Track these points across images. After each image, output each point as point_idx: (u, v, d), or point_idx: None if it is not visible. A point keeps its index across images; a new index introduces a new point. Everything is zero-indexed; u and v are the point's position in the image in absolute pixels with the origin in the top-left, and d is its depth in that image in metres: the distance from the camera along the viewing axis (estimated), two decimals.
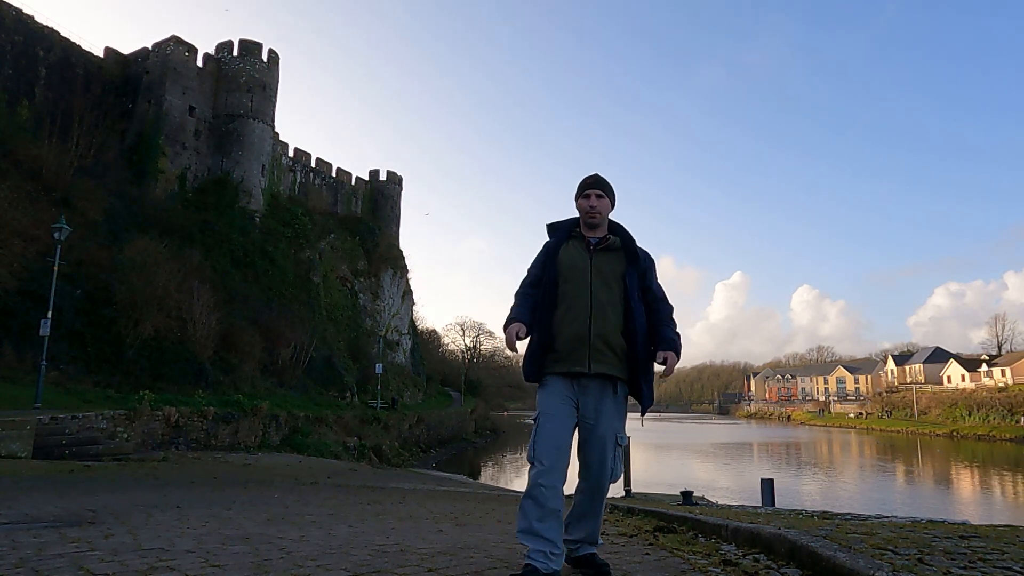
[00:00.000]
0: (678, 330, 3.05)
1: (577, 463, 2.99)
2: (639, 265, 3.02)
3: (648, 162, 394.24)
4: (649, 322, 2.96)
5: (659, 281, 3.12)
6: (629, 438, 2.83)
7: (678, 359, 2.92)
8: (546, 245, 3.12)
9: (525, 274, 3.14)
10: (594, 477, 2.90)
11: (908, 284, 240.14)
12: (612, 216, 3.15)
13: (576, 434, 2.91)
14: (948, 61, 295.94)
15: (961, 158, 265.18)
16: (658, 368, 2.97)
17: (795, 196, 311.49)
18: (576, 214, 3.16)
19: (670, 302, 3.10)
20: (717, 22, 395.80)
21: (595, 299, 2.88)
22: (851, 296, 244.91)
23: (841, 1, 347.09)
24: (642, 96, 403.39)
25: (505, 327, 2.94)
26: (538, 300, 2.95)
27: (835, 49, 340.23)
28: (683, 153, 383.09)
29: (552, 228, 3.17)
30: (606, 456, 2.86)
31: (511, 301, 3.05)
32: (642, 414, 2.92)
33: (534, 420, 2.86)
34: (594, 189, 3.06)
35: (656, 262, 3.20)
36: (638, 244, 3.08)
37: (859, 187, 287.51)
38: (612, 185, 3.13)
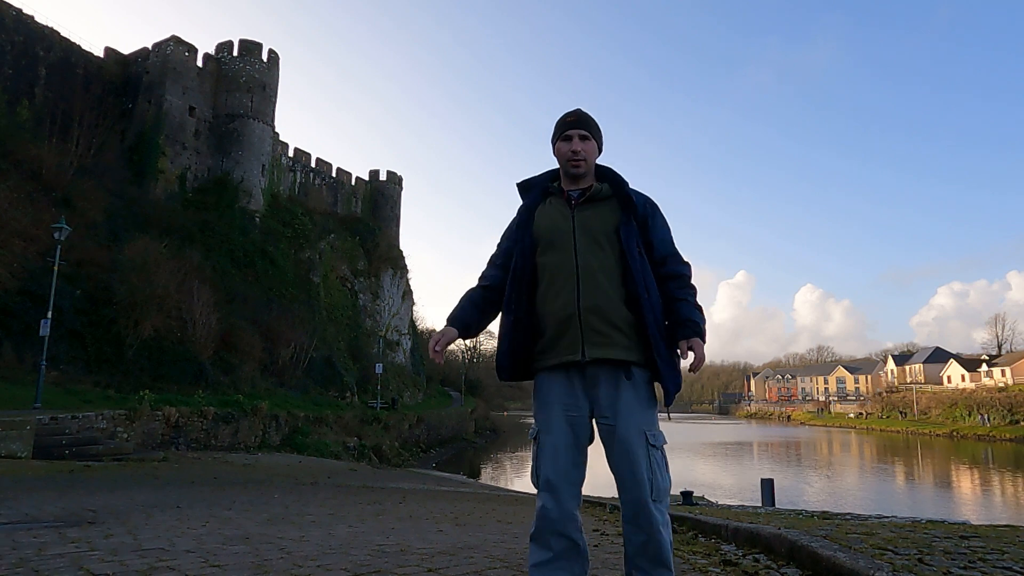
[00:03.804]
0: (699, 301, 2.33)
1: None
2: (638, 214, 2.33)
3: (656, 157, 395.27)
4: (661, 290, 2.29)
5: (670, 231, 2.41)
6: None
7: (704, 343, 2.24)
8: (519, 209, 2.46)
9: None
10: (630, 498, 2.12)
11: (922, 284, 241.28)
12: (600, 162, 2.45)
13: (602, 443, 2.24)
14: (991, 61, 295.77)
15: (979, 157, 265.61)
16: (683, 362, 2.28)
17: (802, 195, 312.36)
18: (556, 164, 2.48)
19: (684, 258, 2.39)
20: (768, 25, 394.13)
21: (582, 264, 2.24)
22: (859, 296, 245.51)
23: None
24: (670, 100, 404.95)
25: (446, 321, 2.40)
26: (508, 282, 2.33)
27: (877, 47, 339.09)
28: (689, 146, 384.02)
29: (525, 187, 2.48)
30: (637, 464, 2.11)
31: None
32: (667, 405, 2.24)
33: (531, 435, 2.26)
34: (577, 129, 2.35)
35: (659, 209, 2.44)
36: (632, 188, 2.39)
37: (871, 186, 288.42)
38: (598, 123, 2.44)
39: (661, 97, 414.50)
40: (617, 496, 2.20)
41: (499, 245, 2.47)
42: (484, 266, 2.50)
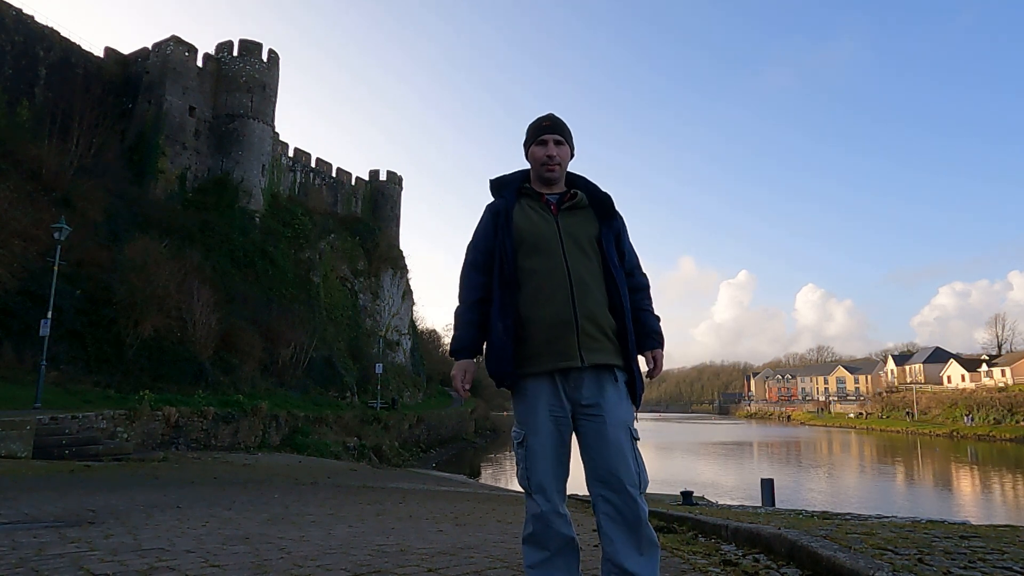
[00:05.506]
0: (656, 311, 2.47)
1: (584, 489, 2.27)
2: (614, 225, 2.42)
3: (661, 153, 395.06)
4: (630, 299, 2.40)
5: (631, 243, 2.52)
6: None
7: (663, 352, 2.42)
8: (491, 207, 2.44)
9: (466, 252, 2.44)
10: (617, 492, 2.11)
11: (924, 284, 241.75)
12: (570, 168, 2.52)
13: (578, 447, 2.25)
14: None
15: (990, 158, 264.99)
16: (643, 367, 2.37)
17: (808, 191, 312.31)
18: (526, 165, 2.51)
19: (644, 270, 2.53)
20: (789, 24, 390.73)
21: (573, 271, 2.25)
22: (861, 296, 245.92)
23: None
24: (680, 97, 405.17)
25: (452, 352, 2.33)
26: (495, 286, 2.30)
27: (896, 44, 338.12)
28: (697, 143, 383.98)
29: (499, 185, 2.48)
30: (625, 456, 2.14)
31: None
32: (636, 405, 2.33)
33: (516, 438, 2.27)
34: (552, 134, 2.40)
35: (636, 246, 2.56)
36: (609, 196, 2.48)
37: (879, 183, 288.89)
38: (570, 129, 2.50)
39: (673, 94, 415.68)
40: (589, 491, 2.18)
41: (476, 246, 2.42)
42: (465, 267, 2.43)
